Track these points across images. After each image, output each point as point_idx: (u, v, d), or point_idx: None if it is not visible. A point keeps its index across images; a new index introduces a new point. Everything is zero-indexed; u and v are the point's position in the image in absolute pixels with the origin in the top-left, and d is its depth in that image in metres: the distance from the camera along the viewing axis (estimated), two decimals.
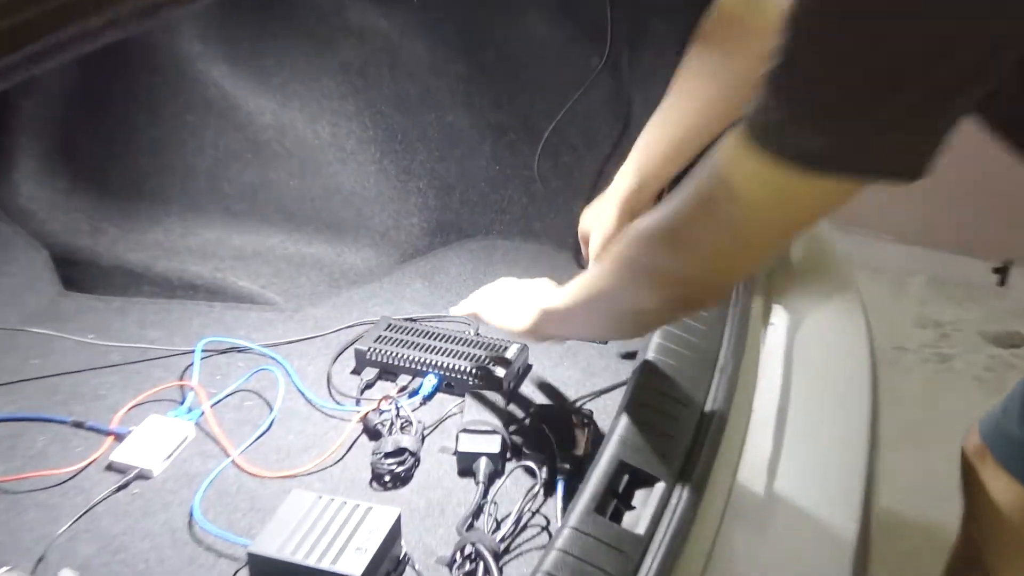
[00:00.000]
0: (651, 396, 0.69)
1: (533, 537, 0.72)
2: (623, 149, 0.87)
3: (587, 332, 0.75)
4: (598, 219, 0.85)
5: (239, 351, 0.99)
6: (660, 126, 0.80)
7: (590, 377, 0.94)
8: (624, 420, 0.66)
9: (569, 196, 1.25)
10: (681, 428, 0.66)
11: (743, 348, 0.76)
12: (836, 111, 0.43)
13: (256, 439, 0.84)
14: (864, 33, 0.40)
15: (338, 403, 0.90)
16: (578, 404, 0.89)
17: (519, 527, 0.72)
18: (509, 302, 0.84)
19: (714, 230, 0.50)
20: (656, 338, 0.75)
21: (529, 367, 0.94)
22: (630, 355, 0.93)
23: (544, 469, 0.76)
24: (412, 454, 0.79)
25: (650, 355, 0.74)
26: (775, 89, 0.44)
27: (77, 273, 1.19)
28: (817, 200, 0.47)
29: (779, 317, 0.86)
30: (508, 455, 0.81)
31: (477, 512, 0.74)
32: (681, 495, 0.61)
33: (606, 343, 0.99)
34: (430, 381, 0.90)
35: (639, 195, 0.81)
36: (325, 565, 0.65)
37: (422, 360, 0.91)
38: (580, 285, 0.66)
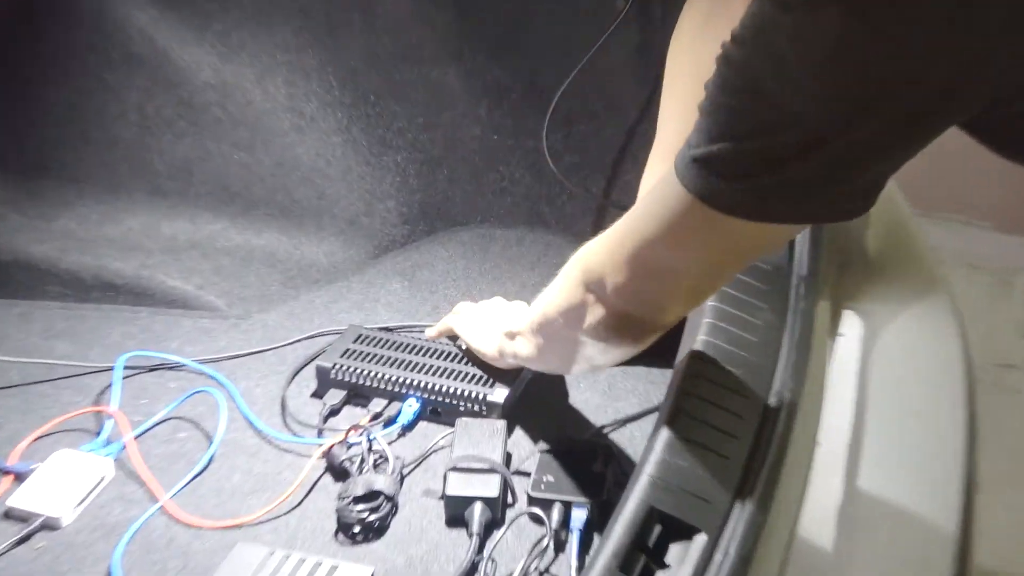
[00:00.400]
0: (690, 426, 0.69)
1: None
2: (653, 115, 0.87)
3: (541, 360, 0.81)
4: None
5: (170, 368, 0.99)
6: (679, 95, 0.82)
7: (613, 401, 0.94)
8: (655, 456, 0.66)
9: (585, 173, 1.25)
10: (727, 466, 0.66)
11: (805, 365, 0.76)
12: (761, 161, 0.48)
13: (192, 479, 0.84)
14: (795, 84, 0.46)
15: (295, 434, 0.90)
16: (598, 435, 0.89)
17: None
18: (481, 322, 0.92)
19: (646, 264, 0.59)
20: (696, 352, 0.75)
21: (536, 389, 0.94)
22: None
23: (555, 517, 0.76)
24: (388, 498, 0.79)
25: (688, 374, 0.75)
26: (703, 125, 0.50)
27: None
28: (750, 241, 0.55)
29: (851, 326, 0.86)
30: (509, 499, 0.81)
31: (471, 571, 0.74)
32: (727, 551, 0.61)
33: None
34: (411, 406, 0.90)
35: None
36: None
37: (401, 380, 0.91)
38: (535, 305, 0.75)
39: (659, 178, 0.56)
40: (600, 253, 0.64)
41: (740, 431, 0.69)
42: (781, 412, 0.70)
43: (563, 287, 0.69)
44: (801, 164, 0.47)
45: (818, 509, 0.69)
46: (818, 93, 0.45)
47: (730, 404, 0.71)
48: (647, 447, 0.67)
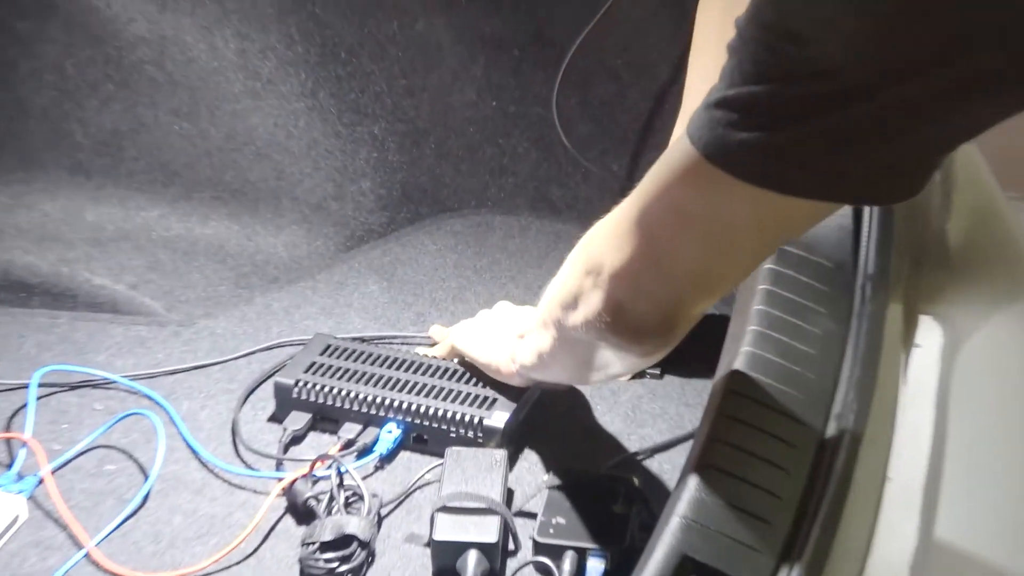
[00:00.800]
0: (731, 457, 0.69)
1: None
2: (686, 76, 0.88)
3: (544, 366, 0.81)
4: None
5: (96, 386, 0.99)
6: (711, 39, 0.83)
7: (637, 427, 0.95)
8: (689, 493, 0.66)
9: (605, 147, 1.25)
10: (777, 507, 0.67)
11: (872, 384, 0.76)
12: (780, 113, 0.47)
13: (123, 521, 0.85)
14: (831, 25, 0.45)
15: (249, 466, 0.91)
16: (619, 468, 0.89)
17: None
18: (487, 329, 0.93)
19: (645, 241, 0.59)
20: (738, 367, 0.76)
21: (544, 413, 0.95)
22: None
23: (566, 568, 0.77)
24: (363, 544, 0.80)
25: (729, 393, 0.75)
26: (726, 68, 0.49)
27: None
28: (764, 218, 0.54)
29: (929, 335, 0.87)
30: (511, 546, 0.81)
31: None
32: None
33: (659, 376, 0.99)
34: (390, 433, 0.91)
35: None
36: None
37: (378, 400, 0.92)
38: (542, 298, 0.75)
39: (671, 146, 0.56)
40: (602, 231, 0.64)
41: (793, 464, 0.70)
42: (843, 440, 0.71)
43: (566, 274, 0.69)
44: (826, 121, 0.47)
45: (887, 560, 0.69)
46: (856, 39, 0.45)
47: (781, 431, 0.72)
48: (679, 483, 0.68)
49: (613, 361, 0.71)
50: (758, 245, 0.60)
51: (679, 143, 0.53)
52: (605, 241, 0.63)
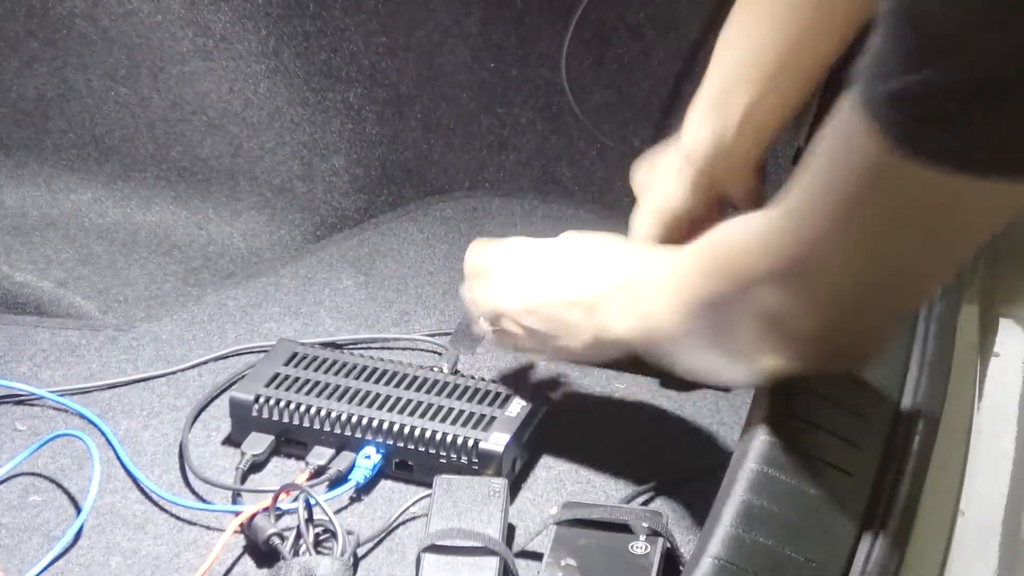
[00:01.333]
0: (774, 487, 0.69)
1: None
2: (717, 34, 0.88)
3: (698, 362, 0.81)
4: (654, 187, 0.91)
5: (19, 402, 1.00)
6: (743, 33, 0.83)
7: (662, 451, 0.95)
8: (724, 529, 0.67)
9: (624, 117, 1.25)
10: (829, 544, 0.67)
11: (942, 399, 0.76)
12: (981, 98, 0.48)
13: (51, 563, 0.85)
14: None
15: (200, 497, 0.91)
16: (640, 500, 0.90)
17: None
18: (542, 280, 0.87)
19: (853, 258, 0.60)
20: (784, 380, 0.76)
21: (550, 433, 0.95)
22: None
23: None
24: None
25: (773, 411, 0.75)
26: (891, 43, 0.50)
27: None
28: (991, 206, 0.55)
29: (1010, 341, 0.87)
30: None
31: None
32: None
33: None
34: (368, 458, 0.91)
35: (719, 156, 0.90)
36: None
37: (354, 419, 0.92)
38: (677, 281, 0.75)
39: (833, 125, 0.57)
40: (775, 264, 0.65)
41: (847, 494, 0.70)
42: (906, 467, 0.71)
43: (705, 311, 0.71)
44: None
45: None
46: None
47: (833, 456, 0.72)
48: (711, 517, 0.68)
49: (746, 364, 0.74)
50: (967, 239, 0.62)
51: (853, 140, 0.55)
52: (752, 244, 0.65)
